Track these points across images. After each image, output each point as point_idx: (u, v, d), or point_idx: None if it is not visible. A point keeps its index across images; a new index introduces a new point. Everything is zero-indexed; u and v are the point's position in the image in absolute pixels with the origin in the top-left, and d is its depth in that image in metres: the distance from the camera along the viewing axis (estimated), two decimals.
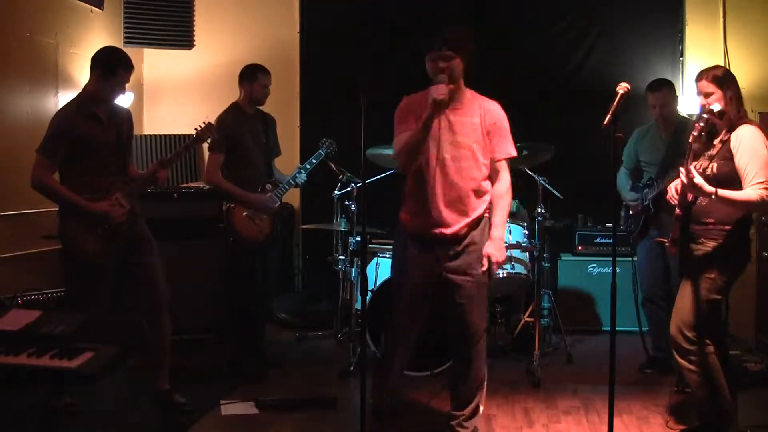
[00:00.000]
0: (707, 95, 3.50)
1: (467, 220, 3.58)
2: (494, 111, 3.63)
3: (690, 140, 3.44)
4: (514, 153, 3.66)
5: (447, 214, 3.56)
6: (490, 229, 3.62)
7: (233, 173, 4.76)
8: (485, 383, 3.79)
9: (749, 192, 3.32)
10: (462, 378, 3.74)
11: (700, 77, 3.55)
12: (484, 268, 3.56)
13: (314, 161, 4.98)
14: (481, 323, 3.68)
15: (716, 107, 3.39)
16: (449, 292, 3.62)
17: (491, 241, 3.57)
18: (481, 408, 3.82)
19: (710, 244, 3.49)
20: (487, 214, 3.65)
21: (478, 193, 3.60)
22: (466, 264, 3.59)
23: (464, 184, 3.56)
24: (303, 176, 4.94)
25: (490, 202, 3.64)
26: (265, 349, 5.11)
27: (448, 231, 3.57)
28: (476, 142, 3.56)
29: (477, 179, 3.58)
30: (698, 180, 3.29)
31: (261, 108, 4.95)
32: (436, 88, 3.44)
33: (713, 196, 3.29)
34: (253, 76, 4.83)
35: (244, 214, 4.75)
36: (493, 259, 3.54)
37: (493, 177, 3.64)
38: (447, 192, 3.56)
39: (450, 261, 3.60)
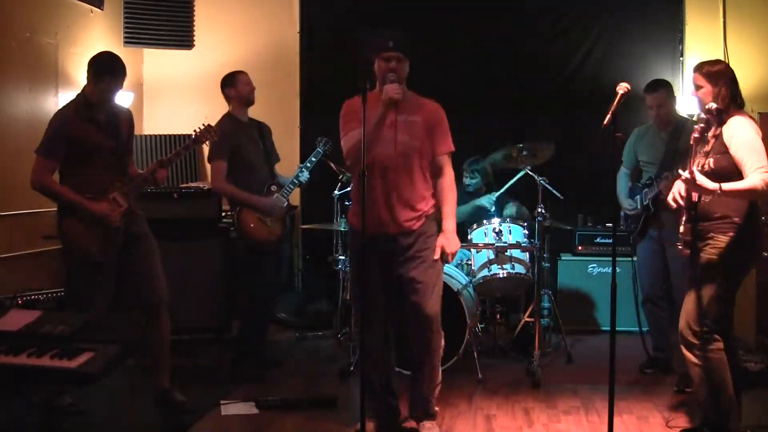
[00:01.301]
0: (698, 88, 3.56)
1: (414, 215, 3.69)
2: (434, 110, 3.77)
3: (691, 141, 3.45)
4: (452, 148, 3.79)
5: (394, 211, 3.66)
6: (443, 221, 3.74)
7: (237, 180, 4.75)
8: (439, 385, 3.87)
9: (752, 179, 3.33)
10: (418, 376, 3.81)
11: (695, 69, 3.60)
12: (437, 257, 3.68)
13: (314, 159, 5.01)
14: (435, 308, 3.72)
15: (713, 106, 3.41)
16: (403, 284, 3.70)
17: (443, 233, 3.71)
18: (437, 408, 3.87)
19: (720, 239, 3.49)
20: (432, 210, 3.76)
21: (423, 189, 3.73)
22: (416, 252, 3.68)
23: (409, 181, 3.68)
24: (305, 174, 4.97)
25: (437, 197, 3.78)
26: (265, 349, 5.11)
27: (395, 228, 3.67)
28: (419, 140, 3.69)
29: (420, 176, 3.71)
30: (700, 179, 3.29)
31: (254, 118, 4.96)
32: (392, 87, 3.57)
33: (718, 192, 3.30)
34: (232, 80, 4.85)
35: (255, 217, 4.74)
36: (447, 250, 3.69)
37: (436, 172, 3.76)
38: (393, 189, 3.66)
39: (400, 255, 3.69)
